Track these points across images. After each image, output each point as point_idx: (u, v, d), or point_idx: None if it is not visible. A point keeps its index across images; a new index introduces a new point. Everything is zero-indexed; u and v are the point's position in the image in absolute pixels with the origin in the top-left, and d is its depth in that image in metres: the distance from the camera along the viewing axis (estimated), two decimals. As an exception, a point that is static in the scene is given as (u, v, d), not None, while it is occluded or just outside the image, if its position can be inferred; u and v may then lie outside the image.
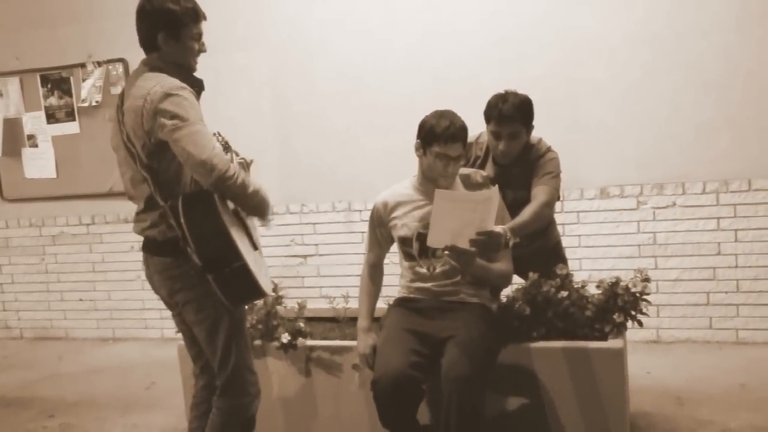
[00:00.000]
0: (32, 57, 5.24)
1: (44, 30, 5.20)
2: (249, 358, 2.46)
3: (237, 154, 2.50)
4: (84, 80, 5.13)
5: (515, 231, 2.64)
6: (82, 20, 5.10)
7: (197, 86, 2.36)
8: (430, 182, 2.72)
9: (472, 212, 2.46)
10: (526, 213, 2.78)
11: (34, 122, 5.31)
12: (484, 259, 2.62)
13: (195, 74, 2.40)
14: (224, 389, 2.42)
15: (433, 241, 2.53)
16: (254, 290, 2.24)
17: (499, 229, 2.52)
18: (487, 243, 2.49)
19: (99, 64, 5.08)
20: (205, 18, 2.38)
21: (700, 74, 4.06)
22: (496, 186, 2.59)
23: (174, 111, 2.15)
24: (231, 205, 2.28)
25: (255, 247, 2.38)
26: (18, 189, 5.43)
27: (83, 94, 5.13)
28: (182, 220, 2.14)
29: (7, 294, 5.59)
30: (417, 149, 2.73)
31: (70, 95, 5.20)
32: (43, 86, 5.27)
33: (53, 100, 5.25)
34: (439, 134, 2.60)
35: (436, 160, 2.64)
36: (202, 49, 2.40)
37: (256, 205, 2.29)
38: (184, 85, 2.24)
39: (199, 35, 2.37)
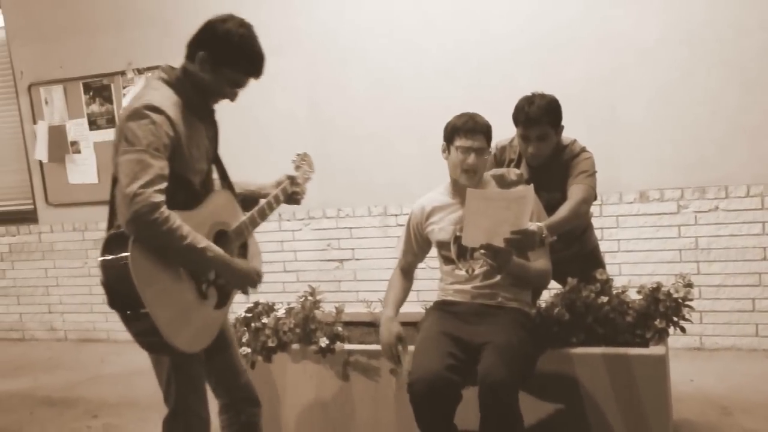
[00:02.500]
0: (75, 65, 5.38)
1: (87, 38, 5.33)
2: (196, 404, 2.27)
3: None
4: (124, 87, 5.24)
5: (552, 228, 2.61)
6: (124, 29, 5.21)
7: (200, 112, 2.18)
8: (457, 183, 2.73)
9: (505, 210, 2.43)
10: (563, 210, 2.76)
11: (77, 129, 5.44)
12: (519, 258, 2.60)
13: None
14: (164, 428, 2.30)
15: (467, 240, 2.52)
16: (162, 345, 2.00)
17: (534, 226, 2.50)
18: (522, 241, 2.46)
19: (139, 71, 5.18)
20: (255, 76, 2.18)
21: (742, 74, 3.97)
22: (531, 184, 2.55)
23: (132, 131, 1.97)
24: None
25: (203, 296, 2.13)
26: (62, 194, 5.56)
27: (125, 101, 5.24)
28: (99, 257, 2.01)
29: (53, 296, 5.73)
30: (443, 151, 2.75)
31: (111, 102, 5.31)
32: (85, 94, 5.39)
33: (95, 107, 5.37)
34: (459, 127, 2.66)
35: (457, 154, 2.66)
36: (228, 96, 2.20)
37: (187, 261, 2.04)
38: (162, 106, 2.02)
39: (236, 83, 2.17)
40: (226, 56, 2.11)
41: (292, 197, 2.59)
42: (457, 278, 2.76)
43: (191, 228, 2.02)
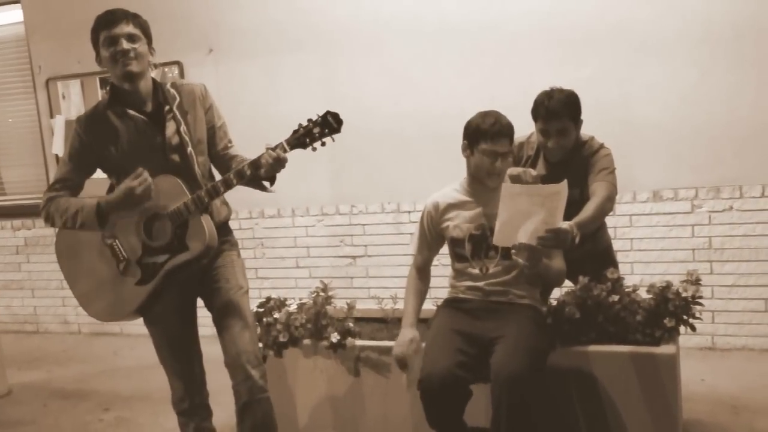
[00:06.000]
0: (93, 61, 5.36)
1: (104, 34, 5.36)
2: (168, 370, 2.66)
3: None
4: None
5: (580, 227, 2.59)
6: (140, 25, 5.23)
7: (118, 106, 2.42)
8: (478, 183, 2.73)
9: (539, 206, 2.42)
10: (590, 208, 2.74)
11: (93, 124, 5.47)
12: (546, 256, 2.59)
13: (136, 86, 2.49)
14: None
15: (499, 240, 2.50)
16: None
17: (565, 225, 2.48)
18: (554, 240, 2.44)
19: (155, 66, 5.20)
20: (105, 25, 2.30)
21: (760, 74, 3.94)
22: (565, 181, 2.49)
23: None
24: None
25: (123, 273, 2.44)
26: (77, 188, 5.60)
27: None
28: None
29: (67, 290, 5.68)
30: (464, 150, 2.74)
31: (127, 97, 5.34)
32: (102, 88, 5.42)
33: (111, 103, 5.40)
34: (485, 131, 2.62)
35: (483, 158, 2.65)
36: (116, 57, 2.31)
37: (82, 227, 2.40)
38: (82, 116, 2.45)
39: (112, 39, 2.31)
40: (93, 37, 2.42)
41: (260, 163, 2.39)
42: (469, 276, 2.76)
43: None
